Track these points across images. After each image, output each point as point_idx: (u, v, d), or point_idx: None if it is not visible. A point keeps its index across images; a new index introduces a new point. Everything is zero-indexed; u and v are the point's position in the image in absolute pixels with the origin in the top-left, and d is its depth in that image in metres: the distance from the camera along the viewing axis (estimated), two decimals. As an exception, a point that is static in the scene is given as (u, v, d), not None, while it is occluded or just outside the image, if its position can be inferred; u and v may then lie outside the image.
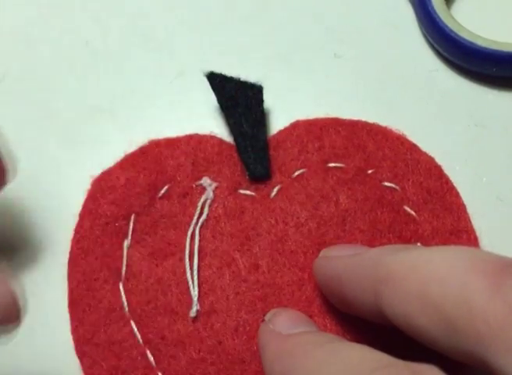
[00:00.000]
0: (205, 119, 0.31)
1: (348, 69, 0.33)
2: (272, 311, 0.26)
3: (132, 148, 0.30)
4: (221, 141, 0.30)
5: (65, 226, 0.29)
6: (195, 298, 0.27)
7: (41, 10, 0.35)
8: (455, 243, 0.28)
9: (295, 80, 0.32)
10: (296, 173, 0.29)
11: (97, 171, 0.30)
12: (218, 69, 0.30)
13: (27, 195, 0.29)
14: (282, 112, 0.31)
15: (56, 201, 0.30)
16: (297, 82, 0.32)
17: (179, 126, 0.31)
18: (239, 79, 0.30)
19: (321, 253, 0.27)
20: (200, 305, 0.27)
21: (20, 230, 0.29)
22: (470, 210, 0.29)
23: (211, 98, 0.30)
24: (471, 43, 0.31)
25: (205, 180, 0.29)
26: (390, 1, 0.34)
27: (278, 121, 0.31)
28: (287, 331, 0.24)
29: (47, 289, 0.28)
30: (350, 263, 0.24)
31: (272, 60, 0.33)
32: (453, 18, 0.32)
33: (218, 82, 0.29)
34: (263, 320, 0.26)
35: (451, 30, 0.31)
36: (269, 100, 0.30)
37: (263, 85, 0.30)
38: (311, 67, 0.32)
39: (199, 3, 0.35)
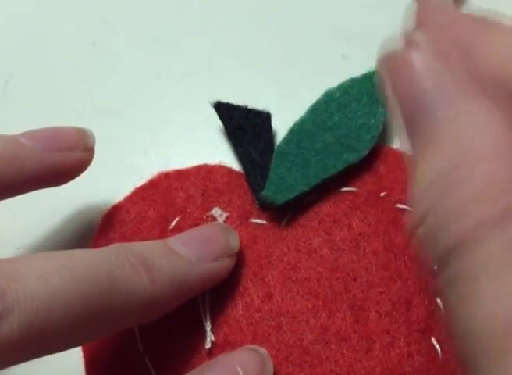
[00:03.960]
0: (210, 119, 0.31)
1: (356, 70, 0.31)
2: None
3: (141, 181, 0.30)
4: (230, 171, 0.30)
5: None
6: (208, 329, 0.27)
7: (48, 10, 0.35)
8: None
9: (302, 81, 0.32)
10: (307, 199, 0.29)
11: (101, 172, 0.29)
12: (224, 70, 0.30)
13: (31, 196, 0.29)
14: (287, 113, 0.30)
15: (60, 203, 0.30)
16: (304, 83, 0.31)
17: (184, 127, 0.31)
18: (246, 107, 0.29)
19: None
20: (215, 338, 0.26)
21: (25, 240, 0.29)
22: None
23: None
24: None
25: (216, 211, 0.29)
26: (399, 2, 0.34)
27: (283, 122, 0.30)
28: None
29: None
30: None
31: (280, 61, 0.33)
32: (461, 20, 0.31)
33: (226, 111, 0.29)
34: None
35: (460, 32, 0.31)
36: (276, 101, 0.30)
37: (270, 109, 0.30)
38: (319, 68, 0.32)
39: (206, 4, 0.35)
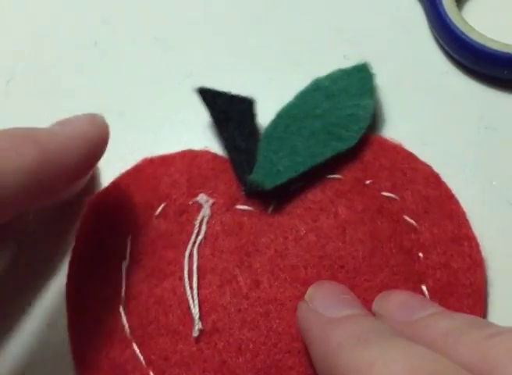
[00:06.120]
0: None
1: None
2: (312, 288, 0.26)
3: (126, 166, 0.30)
4: (215, 156, 0.30)
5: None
6: (196, 317, 0.27)
7: (51, 10, 0.35)
8: (456, 250, 0.27)
9: (304, 82, 0.31)
10: (293, 187, 0.29)
11: (102, 172, 0.29)
12: (226, 70, 0.30)
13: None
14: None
15: (61, 203, 0.30)
16: (306, 83, 0.31)
17: (186, 128, 0.31)
18: (230, 93, 0.29)
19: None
20: (203, 325, 0.27)
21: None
22: (479, 213, 0.28)
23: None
24: (482, 45, 0.30)
25: (202, 197, 0.29)
26: (401, 2, 0.33)
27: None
28: (330, 314, 0.23)
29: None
30: None
31: (282, 61, 0.33)
32: (463, 20, 0.31)
33: (210, 97, 0.29)
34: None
35: (462, 32, 0.30)
36: (277, 101, 0.30)
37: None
38: (321, 68, 0.31)
39: (208, 4, 0.34)
